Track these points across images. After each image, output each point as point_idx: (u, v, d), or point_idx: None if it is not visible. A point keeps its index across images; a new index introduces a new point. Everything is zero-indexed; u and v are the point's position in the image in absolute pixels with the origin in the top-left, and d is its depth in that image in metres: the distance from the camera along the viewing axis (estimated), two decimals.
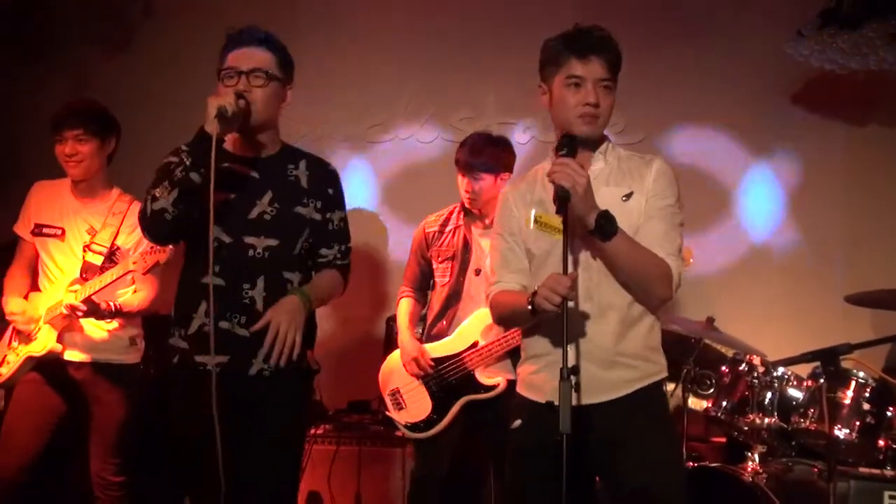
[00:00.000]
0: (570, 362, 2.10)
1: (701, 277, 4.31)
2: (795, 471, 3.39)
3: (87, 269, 3.27)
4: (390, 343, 4.29)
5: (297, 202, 2.62)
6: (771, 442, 3.42)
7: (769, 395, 3.36)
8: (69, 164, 3.29)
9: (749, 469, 3.29)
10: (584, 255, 2.31)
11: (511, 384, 2.96)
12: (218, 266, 2.48)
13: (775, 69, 4.32)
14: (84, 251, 3.30)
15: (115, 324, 3.32)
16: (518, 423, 2.39)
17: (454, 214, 3.52)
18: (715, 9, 4.54)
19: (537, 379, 2.36)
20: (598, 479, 2.38)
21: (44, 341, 3.25)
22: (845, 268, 4.31)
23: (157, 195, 2.47)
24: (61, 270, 3.32)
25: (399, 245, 4.73)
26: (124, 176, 3.45)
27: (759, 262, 4.47)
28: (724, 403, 3.44)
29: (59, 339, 3.26)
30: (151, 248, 3.01)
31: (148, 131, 4.20)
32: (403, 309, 3.59)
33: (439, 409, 3.40)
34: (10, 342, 3.34)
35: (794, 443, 3.47)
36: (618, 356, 2.30)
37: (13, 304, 3.31)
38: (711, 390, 3.52)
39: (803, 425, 3.28)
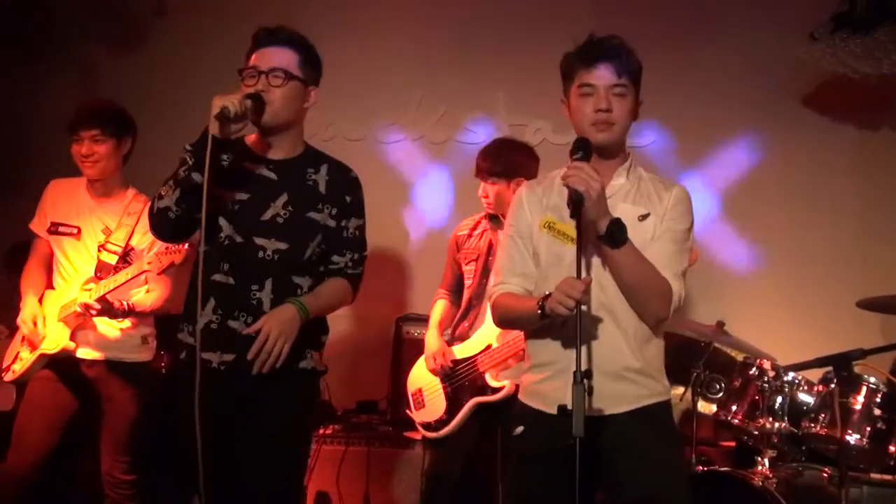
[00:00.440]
0: (583, 367, 2.08)
1: (711, 281, 4.31)
2: (806, 476, 3.36)
3: (102, 269, 3.28)
4: (400, 344, 4.31)
5: (311, 207, 2.61)
6: (781, 447, 3.40)
7: (779, 399, 3.34)
8: (85, 165, 3.29)
9: (759, 474, 3.27)
10: (596, 263, 2.30)
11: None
12: (227, 264, 2.51)
13: (787, 72, 4.31)
14: (99, 250, 3.31)
15: (127, 322, 3.33)
16: (520, 429, 2.39)
17: (483, 219, 3.54)
18: (727, 12, 4.53)
19: (544, 388, 2.34)
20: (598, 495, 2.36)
21: (57, 339, 3.26)
22: (856, 272, 4.29)
23: (163, 194, 2.50)
24: (75, 269, 3.33)
25: (410, 246, 4.74)
26: (130, 174, 3.44)
27: (770, 266, 4.46)
28: (734, 407, 3.42)
29: (73, 337, 3.27)
30: (167, 248, 3.01)
31: (154, 129, 4.19)
32: (437, 309, 3.62)
33: (451, 410, 3.43)
34: (23, 339, 3.35)
35: (804, 448, 3.45)
36: (625, 371, 2.29)
37: (27, 310, 3.29)
38: (721, 394, 3.51)
39: (814, 430, 3.26)
